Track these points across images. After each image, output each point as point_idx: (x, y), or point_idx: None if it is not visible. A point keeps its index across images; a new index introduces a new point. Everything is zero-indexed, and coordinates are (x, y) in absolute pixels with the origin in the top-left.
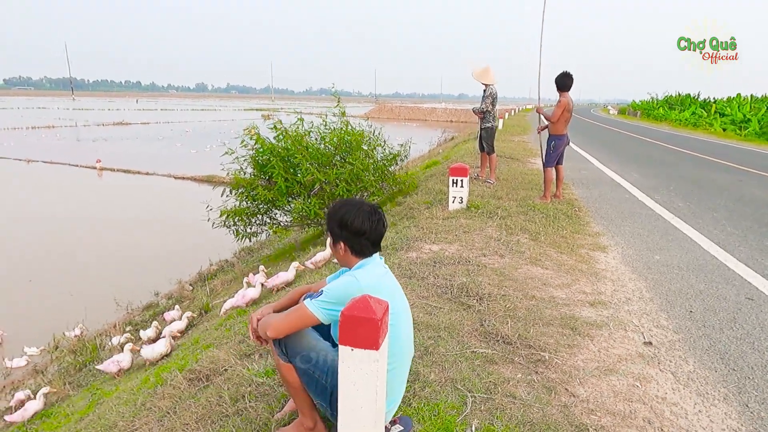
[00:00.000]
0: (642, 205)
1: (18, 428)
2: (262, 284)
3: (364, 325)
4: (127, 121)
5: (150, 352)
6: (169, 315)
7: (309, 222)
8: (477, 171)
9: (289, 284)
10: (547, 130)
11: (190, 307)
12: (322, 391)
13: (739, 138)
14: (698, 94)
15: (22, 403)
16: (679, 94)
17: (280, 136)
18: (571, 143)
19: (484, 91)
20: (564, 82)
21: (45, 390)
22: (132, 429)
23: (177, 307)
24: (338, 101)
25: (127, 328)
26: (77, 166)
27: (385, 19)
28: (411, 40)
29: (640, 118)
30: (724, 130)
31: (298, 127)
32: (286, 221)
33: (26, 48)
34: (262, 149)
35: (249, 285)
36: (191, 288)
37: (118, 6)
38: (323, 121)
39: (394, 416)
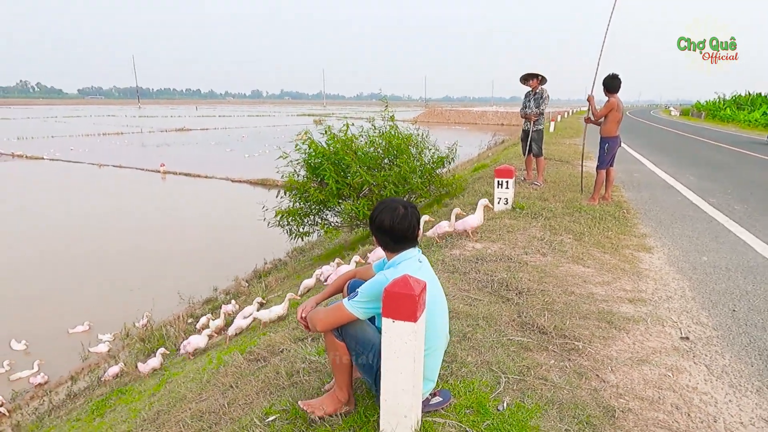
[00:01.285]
0: (695, 208)
1: (98, 402)
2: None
3: (403, 300)
4: (188, 128)
5: (267, 314)
6: (226, 308)
7: (358, 223)
8: (524, 174)
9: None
10: (599, 133)
11: (247, 301)
12: (369, 369)
13: None
14: None
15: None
16: (749, 93)
17: (330, 141)
18: (624, 145)
19: (537, 92)
20: (612, 84)
21: (162, 350)
22: (199, 400)
23: (233, 301)
24: (386, 105)
25: (189, 320)
26: (143, 169)
27: (435, 24)
28: (462, 44)
29: (704, 120)
30: None
31: (347, 132)
32: (337, 222)
33: (98, 60)
34: (314, 153)
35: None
36: (247, 284)
37: (179, 18)
38: (372, 125)
39: (434, 390)
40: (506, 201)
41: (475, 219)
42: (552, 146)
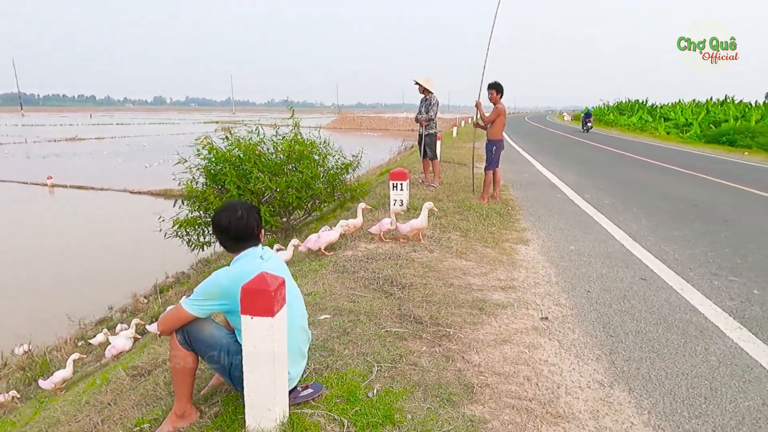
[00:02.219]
0: (571, 203)
1: None
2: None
3: (260, 296)
4: (80, 137)
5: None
6: (120, 327)
7: (265, 229)
8: (422, 176)
9: None
10: (486, 135)
11: (143, 319)
12: (222, 368)
13: (681, 141)
14: (646, 100)
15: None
16: (628, 100)
17: (232, 146)
18: (518, 148)
19: (427, 99)
20: (501, 89)
21: (74, 356)
22: (74, 422)
23: (134, 321)
24: (292, 112)
25: (80, 343)
26: (27, 183)
27: (347, 31)
28: (373, 51)
29: (592, 124)
30: (668, 133)
31: (250, 138)
32: None
33: None
34: (215, 158)
35: None
36: (146, 300)
37: (67, 19)
38: (276, 131)
39: (304, 383)
40: (401, 203)
41: (419, 222)
42: (453, 150)
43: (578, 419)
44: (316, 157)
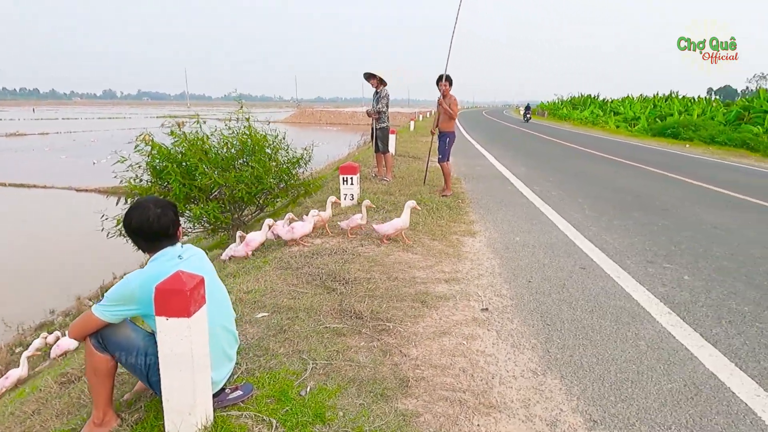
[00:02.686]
0: (520, 195)
1: None
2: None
3: (174, 297)
4: (21, 132)
5: None
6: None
7: (214, 227)
8: (375, 170)
9: None
10: (440, 128)
11: None
12: (140, 372)
13: (629, 134)
14: (598, 95)
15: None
16: (581, 95)
17: (179, 142)
18: (473, 141)
19: (378, 92)
20: (452, 80)
21: (27, 353)
22: None
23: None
24: (241, 105)
25: (17, 349)
26: None
27: (305, 24)
28: (333, 45)
29: (546, 118)
30: (618, 127)
31: (197, 133)
32: (190, 227)
33: None
34: (158, 155)
35: None
36: (90, 302)
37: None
38: (226, 125)
39: (234, 383)
40: (352, 197)
41: (401, 221)
42: (409, 144)
43: (510, 408)
44: (268, 151)
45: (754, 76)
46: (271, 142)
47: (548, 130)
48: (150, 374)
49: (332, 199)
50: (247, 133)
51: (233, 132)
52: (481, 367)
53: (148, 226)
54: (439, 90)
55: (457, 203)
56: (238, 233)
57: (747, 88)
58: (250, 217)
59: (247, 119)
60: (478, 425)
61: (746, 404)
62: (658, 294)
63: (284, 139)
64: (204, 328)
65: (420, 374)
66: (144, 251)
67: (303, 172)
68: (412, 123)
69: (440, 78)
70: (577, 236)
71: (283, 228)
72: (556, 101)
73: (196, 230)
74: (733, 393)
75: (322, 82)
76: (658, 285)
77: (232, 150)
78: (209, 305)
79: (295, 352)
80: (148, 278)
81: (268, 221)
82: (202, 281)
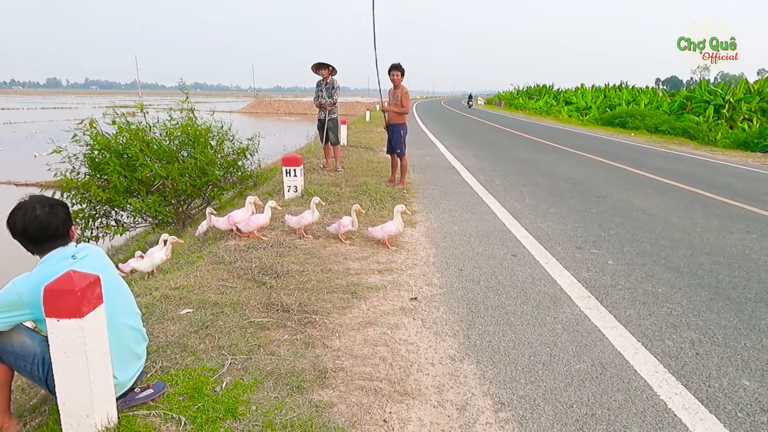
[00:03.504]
0: (465, 185)
1: None
2: None
3: (64, 297)
4: None
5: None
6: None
7: (158, 221)
8: (323, 162)
9: None
10: (393, 121)
11: None
12: (39, 378)
13: (580, 123)
14: (552, 85)
15: None
16: (537, 85)
17: (120, 132)
18: (426, 131)
19: (327, 83)
20: (403, 70)
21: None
22: None
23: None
24: (186, 96)
25: None
26: None
27: (263, 11)
28: (291, 33)
29: (503, 108)
30: (570, 116)
31: (139, 122)
32: (132, 222)
33: None
34: (97, 145)
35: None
36: None
37: None
38: (169, 115)
39: (145, 382)
40: (296, 189)
41: (393, 226)
42: (363, 134)
43: (423, 395)
44: (213, 142)
45: (698, 67)
46: (216, 133)
47: (502, 120)
48: (49, 380)
49: (316, 200)
50: (189, 123)
51: (177, 122)
52: (402, 356)
53: (35, 227)
54: (391, 80)
55: (401, 193)
56: (208, 210)
57: (691, 78)
58: (196, 210)
59: (190, 109)
60: (390, 412)
61: (645, 381)
62: (582, 279)
63: (230, 129)
64: (100, 329)
65: (340, 365)
66: (33, 254)
67: (251, 164)
68: (368, 113)
69: (391, 67)
70: (513, 224)
71: (244, 214)
72: (513, 91)
73: (140, 225)
74: (635, 371)
75: (280, 72)
76: (582, 270)
77: (176, 141)
78: (111, 304)
79: (215, 348)
80: (38, 281)
81: (209, 210)
82: (97, 280)
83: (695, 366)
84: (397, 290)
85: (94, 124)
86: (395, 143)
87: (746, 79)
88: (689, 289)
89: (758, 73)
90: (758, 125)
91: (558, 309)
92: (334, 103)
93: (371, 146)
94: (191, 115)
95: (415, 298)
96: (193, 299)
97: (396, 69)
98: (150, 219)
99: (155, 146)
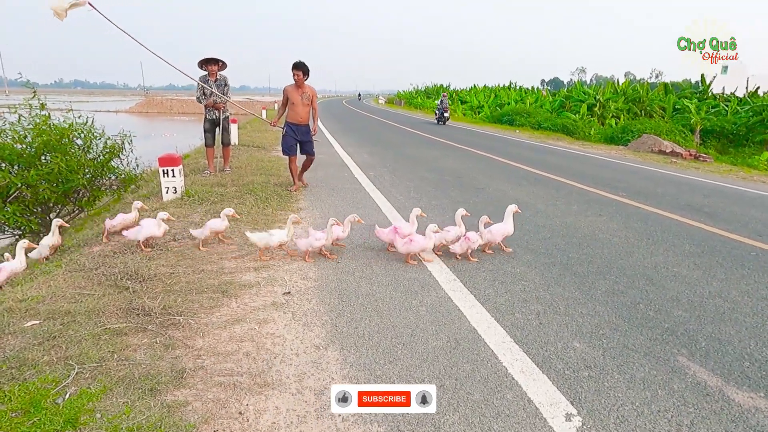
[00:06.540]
0: (354, 181)
1: None
2: None
3: None
4: None
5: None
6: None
7: (21, 231)
8: (209, 170)
9: None
10: (306, 122)
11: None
12: None
13: (473, 121)
14: (449, 85)
15: None
16: (435, 85)
17: None
18: (324, 130)
19: (217, 79)
20: (307, 69)
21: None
22: None
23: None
24: (34, 93)
25: None
26: None
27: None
28: (182, 28)
29: (403, 107)
30: (464, 114)
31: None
32: None
33: None
34: None
35: None
36: None
37: None
38: (18, 116)
39: None
40: (175, 190)
41: (505, 227)
42: (258, 133)
43: (283, 384)
44: (79, 142)
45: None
46: (80, 131)
47: (400, 119)
48: None
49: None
50: (44, 125)
51: (30, 123)
52: (267, 349)
53: None
54: (294, 80)
55: (288, 192)
56: (56, 221)
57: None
58: (69, 218)
59: (42, 106)
60: (247, 404)
61: (492, 351)
62: (450, 264)
63: (92, 124)
64: None
65: (200, 364)
66: None
67: (137, 166)
68: (264, 111)
69: (293, 66)
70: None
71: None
72: (412, 91)
73: (3, 237)
74: (485, 343)
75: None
76: (452, 256)
77: (34, 145)
78: None
79: (61, 359)
80: None
81: (57, 221)
82: None
83: (537, 334)
84: (271, 286)
85: None
86: (309, 146)
87: (612, 81)
88: (543, 267)
89: (625, 76)
90: (623, 121)
91: (424, 293)
92: (226, 101)
93: (263, 145)
94: (42, 113)
95: (289, 293)
96: (41, 310)
97: (297, 68)
98: (10, 230)
99: (7, 151)
